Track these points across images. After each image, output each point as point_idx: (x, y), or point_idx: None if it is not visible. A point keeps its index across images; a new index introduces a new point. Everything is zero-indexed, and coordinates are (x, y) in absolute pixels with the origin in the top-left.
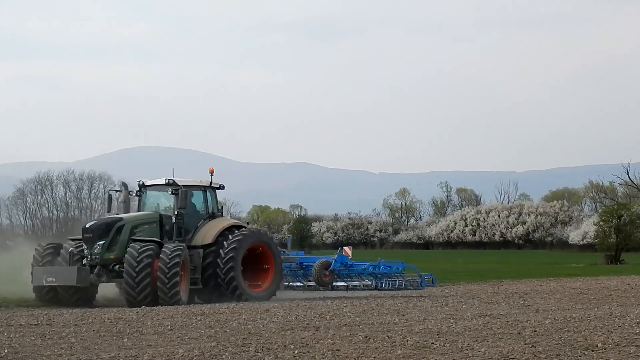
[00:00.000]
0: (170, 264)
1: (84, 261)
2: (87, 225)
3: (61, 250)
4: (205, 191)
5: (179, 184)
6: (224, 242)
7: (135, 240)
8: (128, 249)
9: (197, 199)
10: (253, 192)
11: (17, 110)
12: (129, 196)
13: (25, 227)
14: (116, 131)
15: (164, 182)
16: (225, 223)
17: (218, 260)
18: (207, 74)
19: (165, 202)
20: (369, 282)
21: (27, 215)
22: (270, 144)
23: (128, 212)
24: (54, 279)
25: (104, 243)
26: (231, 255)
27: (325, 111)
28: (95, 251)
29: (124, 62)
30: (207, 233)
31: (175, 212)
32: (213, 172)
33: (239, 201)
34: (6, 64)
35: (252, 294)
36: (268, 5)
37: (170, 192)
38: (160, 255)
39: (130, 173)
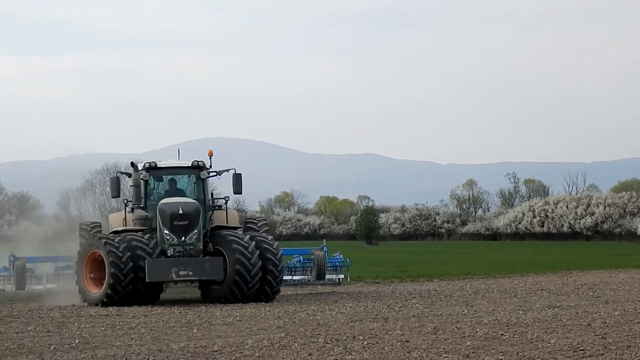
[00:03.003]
0: (278, 255)
1: (169, 252)
2: (181, 212)
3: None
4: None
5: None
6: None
7: (219, 228)
8: (230, 238)
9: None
10: (320, 183)
11: (86, 103)
12: (140, 179)
13: (95, 219)
14: (184, 122)
15: (190, 165)
16: (235, 213)
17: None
18: (274, 65)
19: (187, 186)
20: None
21: (96, 206)
22: (338, 135)
23: (139, 198)
24: (190, 273)
25: (197, 231)
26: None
27: (392, 102)
28: (189, 241)
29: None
30: (230, 223)
31: (227, 198)
32: (212, 154)
33: (306, 192)
34: (76, 56)
35: None
36: None
37: (203, 177)
38: (266, 247)
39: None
